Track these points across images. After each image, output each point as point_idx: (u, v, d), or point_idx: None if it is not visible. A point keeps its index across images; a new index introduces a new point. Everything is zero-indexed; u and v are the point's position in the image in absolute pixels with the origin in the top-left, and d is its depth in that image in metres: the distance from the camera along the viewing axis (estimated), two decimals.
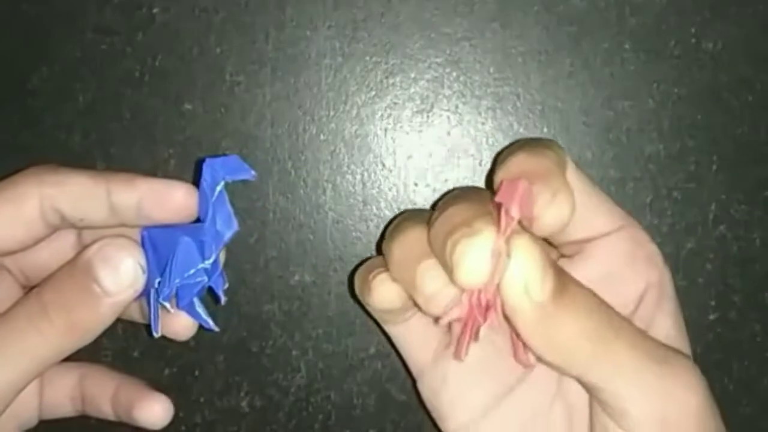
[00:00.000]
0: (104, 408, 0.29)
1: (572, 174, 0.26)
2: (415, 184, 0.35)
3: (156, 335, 0.28)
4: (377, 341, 0.35)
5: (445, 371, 0.28)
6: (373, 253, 0.35)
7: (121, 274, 0.26)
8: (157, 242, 0.27)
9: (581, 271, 0.26)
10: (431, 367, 0.28)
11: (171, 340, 0.35)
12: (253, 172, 0.26)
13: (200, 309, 0.28)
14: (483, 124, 0.34)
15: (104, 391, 0.29)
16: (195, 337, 0.35)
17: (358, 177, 0.35)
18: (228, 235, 0.27)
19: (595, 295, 0.24)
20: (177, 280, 0.26)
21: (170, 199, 0.26)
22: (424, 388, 0.29)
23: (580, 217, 0.25)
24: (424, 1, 0.34)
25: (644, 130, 0.34)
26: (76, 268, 0.26)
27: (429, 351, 0.29)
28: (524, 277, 0.22)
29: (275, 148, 0.35)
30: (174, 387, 0.35)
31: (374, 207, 0.35)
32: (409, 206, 0.35)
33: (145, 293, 0.27)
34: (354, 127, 0.35)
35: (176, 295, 0.27)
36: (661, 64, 0.34)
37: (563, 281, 0.23)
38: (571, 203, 0.24)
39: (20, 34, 0.35)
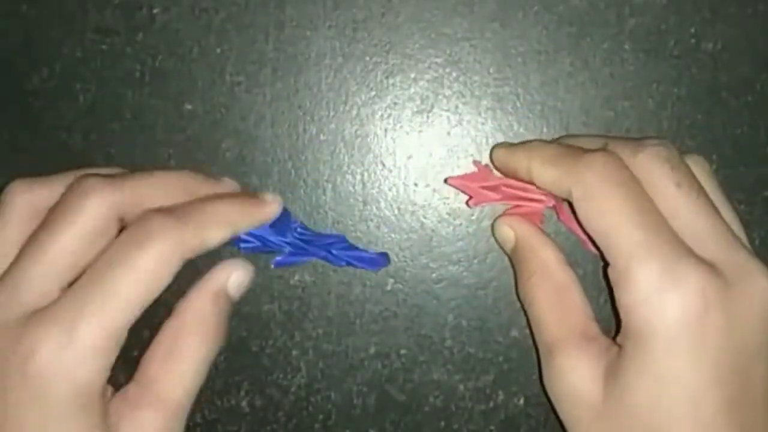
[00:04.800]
0: None
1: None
2: (415, 184, 0.35)
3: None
4: (377, 341, 0.35)
5: None
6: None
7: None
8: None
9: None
10: None
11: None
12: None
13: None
14: (483, 124, 0.34)
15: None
16: None
17: (358, 177, 0.35)
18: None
19: None
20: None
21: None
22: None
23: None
24: (424, 1, 0.34)
25: (644, 130, 0.34)
26: None
27: None
28: None
29: (275, 148, 0.35)
30: None
31: (374, 207, 0.35)
32: (409, 206, 0.35)
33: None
34: (354, 127, 0.35)
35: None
36: (660, 64, 0.34)
37: None
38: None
39: (20, 34, 0.35)
